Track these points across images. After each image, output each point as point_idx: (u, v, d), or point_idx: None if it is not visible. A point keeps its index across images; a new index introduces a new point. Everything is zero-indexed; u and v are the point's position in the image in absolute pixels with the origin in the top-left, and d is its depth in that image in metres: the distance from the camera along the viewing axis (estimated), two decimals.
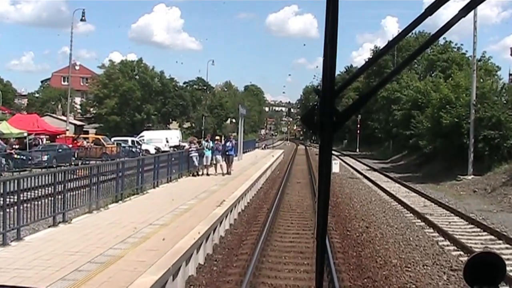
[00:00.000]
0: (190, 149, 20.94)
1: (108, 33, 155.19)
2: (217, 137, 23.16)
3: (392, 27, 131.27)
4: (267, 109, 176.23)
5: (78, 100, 78.02)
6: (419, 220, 15.94)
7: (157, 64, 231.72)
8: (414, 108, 33.96)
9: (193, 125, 70.77)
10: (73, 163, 31.15)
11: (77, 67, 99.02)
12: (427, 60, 44.74)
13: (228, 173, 21.97)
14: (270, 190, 22.50)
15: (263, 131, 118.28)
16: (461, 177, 25.65)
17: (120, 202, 13.33)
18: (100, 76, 65.76)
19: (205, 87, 73.07)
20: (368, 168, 38.60)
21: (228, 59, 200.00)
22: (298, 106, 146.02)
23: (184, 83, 72.06)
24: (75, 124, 68.28)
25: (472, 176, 25.42)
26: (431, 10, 1.15)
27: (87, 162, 31.03)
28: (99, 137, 41.88)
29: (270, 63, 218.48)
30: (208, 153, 21.38)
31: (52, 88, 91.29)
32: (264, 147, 53.63)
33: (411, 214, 17.07)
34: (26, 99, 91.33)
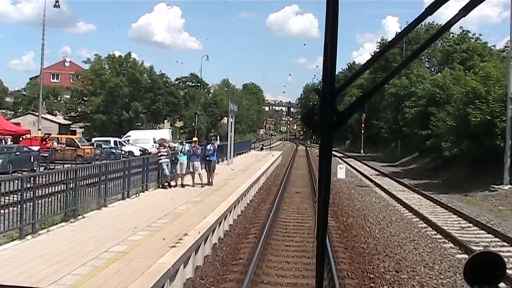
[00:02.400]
0: (160, 154, 16.42)
1: (108, 33, 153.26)
2: (195, 139, 18.62)
3: (392, 27, 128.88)
4: (267, 108, 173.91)
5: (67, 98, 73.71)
6: (466, 255, 11.42)
7: (158, 64, 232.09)
8: (431, 105, 29.39)
9: (187, 124, 66.18)
10: (35, 168, 26.65)
11: (67, 64, 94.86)
12: (442, 52, 40.15)
13: (209, 183, 17.48)
14: (262, 204, 18.00)
15: (261, 131, 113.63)
16: (496, 186, 21.15)
17: (28, 237, 8.84)
18: (86, 71, 61.22)
19: (199, 84, 68.44)
20: (377, 173, 34.10)
21: (229, 59, 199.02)
22: (298, 106, 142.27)
23: (176, 79, 67.38)
24: (59, 123, 63.86)
25: (510, 185, 20.93)
26: (431, 10, 1.16)
27: (52, 168, 26.57)
28: (73, 137, 37.37)
29: (270, 62, 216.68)
30: (183, 159, 16.88)
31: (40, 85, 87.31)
32: (261, 148, 49.09)
33: (451, 244, 12.55)
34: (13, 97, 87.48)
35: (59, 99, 72.39)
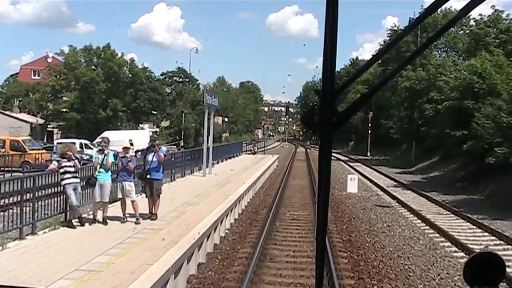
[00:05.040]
0: (63, 171, 9.84)
1: (108, 33, 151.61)
2: (126, 144, 11.86)
3: (392, 27, 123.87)
4: (266, 109, 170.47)
5: None
6: None
7: (157, 65, 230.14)
8: (467, 97, 22.77)
9: (173, 123, 59.56)
10: None
11: (49, 60, 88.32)
12: (470, 36, 33.51)
13: (151, 215, 10.87)
14: (239, 247, 11.40)
15: (259, 131, 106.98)
16: None
17: None
18: (58, 64, 54.56)
19: (187, 80, 61.72)
20: (394, 183, 27.50)
21: (228, 59, 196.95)
22: (298, 106, 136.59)
23: (161, 74, 60.59)
24: (31, 123, 57.26)
25: None
26: (431, 10, 1.17)
27: None
28: (20, 139, 30.74)
29: (270, 63, 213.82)
30: (104, 178, 10.27)
31: (19, 82, 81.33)
32: (254, 151, 42.46)
33: None
34: None
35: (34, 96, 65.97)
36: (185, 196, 14.56)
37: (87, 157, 33.98)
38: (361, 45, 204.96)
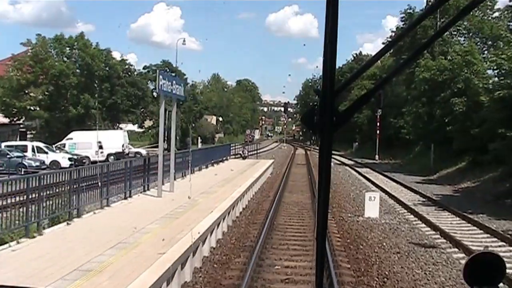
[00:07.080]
0: None
1: (107, 33, 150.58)
2: None
3: (392, 27, 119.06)
4: (265, 109, 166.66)
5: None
6: None
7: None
8: None
9: (156, 123, 53.11)
10: None
11: (29, 53, 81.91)
12: (507, 17, 27.19)
13: None
14: None
15: (248, 131, 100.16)
16: None
17: None
18: (25, 56, 48.29)
19: (173, 74, 55.35)
20: (421, 198, 21.15)
21: (228, 59, 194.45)
22: (298, 106, 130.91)
23: (144, 67, 54.29)
24: None
25: None
26: (431, 10, 1.16)
27: None
28: None
29: (270, 63, 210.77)
30: None
31: None
32: (244, 155, 36.05)
33: None
34: None
35: None
36: (94, 245, 8.20)
37: (37, 163, 27.88)
38: (361, 45, 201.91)
